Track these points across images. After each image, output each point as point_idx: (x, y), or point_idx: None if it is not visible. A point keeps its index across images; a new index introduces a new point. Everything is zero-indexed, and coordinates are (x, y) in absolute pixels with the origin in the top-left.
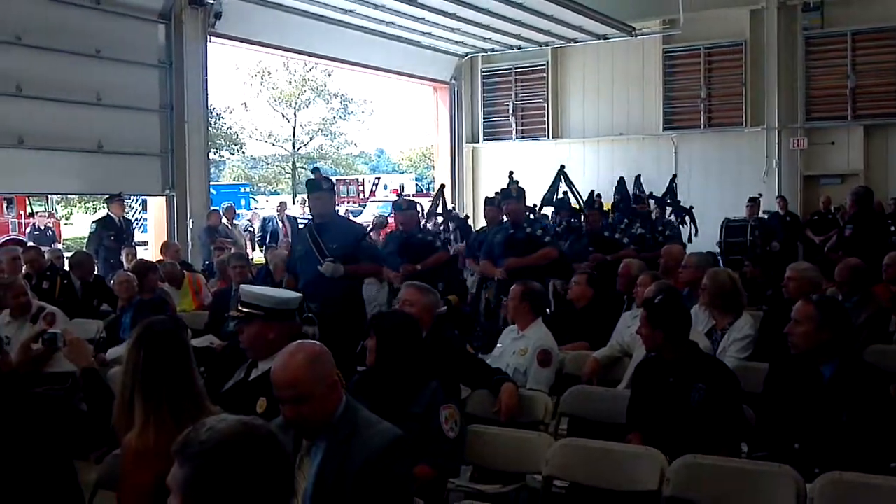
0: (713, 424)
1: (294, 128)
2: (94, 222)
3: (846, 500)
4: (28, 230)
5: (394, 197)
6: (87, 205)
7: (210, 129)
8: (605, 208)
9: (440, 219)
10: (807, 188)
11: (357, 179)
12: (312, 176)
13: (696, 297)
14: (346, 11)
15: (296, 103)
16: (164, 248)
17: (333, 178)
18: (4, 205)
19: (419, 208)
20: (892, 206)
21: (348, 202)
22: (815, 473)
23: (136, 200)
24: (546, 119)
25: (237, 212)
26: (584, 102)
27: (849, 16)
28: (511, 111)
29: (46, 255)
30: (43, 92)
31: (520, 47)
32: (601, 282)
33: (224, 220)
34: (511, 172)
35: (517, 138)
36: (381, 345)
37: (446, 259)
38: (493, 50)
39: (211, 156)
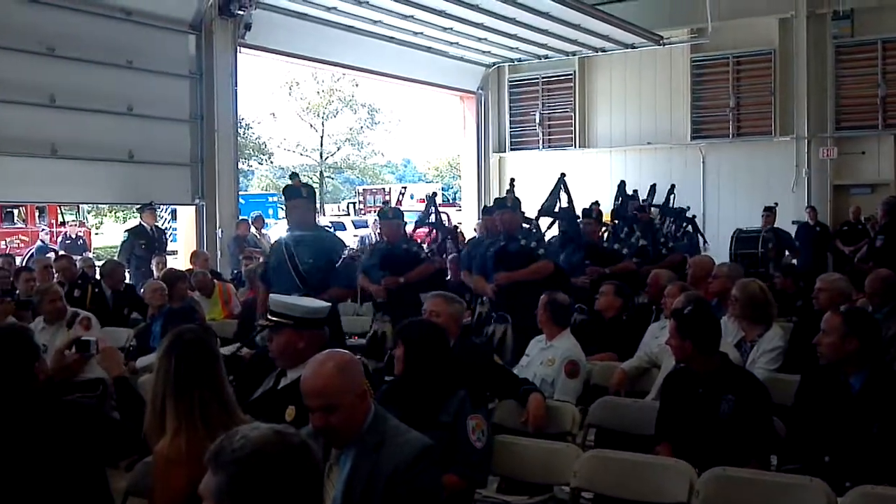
0: (743, 436)
1: (321, 138)
2: (126, 231)
3: None
4: (60, 239)
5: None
6: (118, 214)
7: (239, 139)
8: (603, 218)
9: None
10: (837, 198)
11: (384, 189)
12: (291, 182)
13: (725, 308)
14: (374, 22)
15: (323, 113)
16: (194, 257)
17: (360, 188)
18: (37, 214)
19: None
20: None
21: (375, 211)
22: (847, 487)
23: (166, 210)
24: (573, 128)
25: (265, 221)
26: (611, 112)
27: (879, 24)
28: (538, 120)
29: (78, 264)
30: (75, 102)
31: (547, 57)
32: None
33: (252, 229)
34: (512, 180)
35: (544, 148)
36: (409, 354)
37: (432, 271)
38: (519, 59)
39: (239, 166)
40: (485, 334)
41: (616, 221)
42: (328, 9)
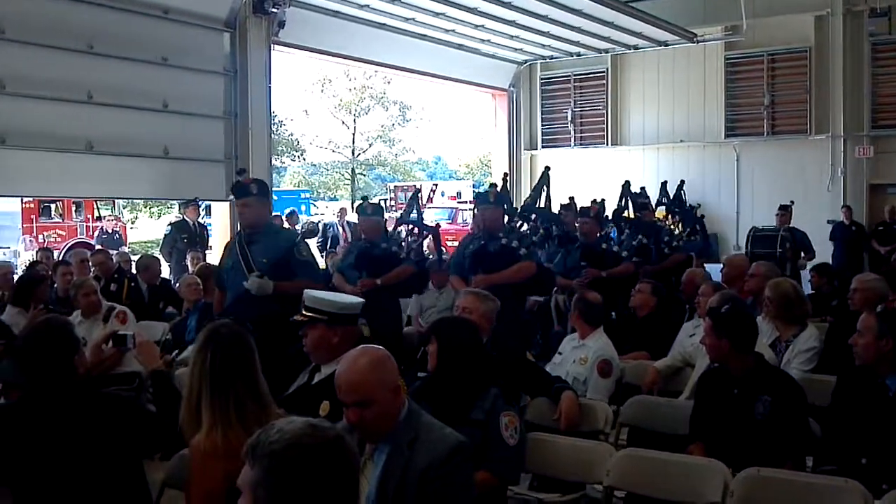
0: (778, 437)
1: (353, 135)
2: (169, 224)
3: None
4: (96, 234)
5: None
6: (152, 210)
7: (272, 135)
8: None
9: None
10: (873, 197)
11: (415, 186)
12: (240, 179)
13: (760, 307)
14: (406, 20)
15: (355, 110)
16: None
17: (392, 185)
18: (73, 209)
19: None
20: None
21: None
22: (884, 489)
23: (202, 206)
24: (605, 126)
25: (298, 217)
26: (644, 109)
27: None
28: (570, 118)
29: (114, 259)
30: (112, 99)
31: (579, 54)
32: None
33: (286, 225)
34: (505, 174)
35: (576, 145)
36: (443, 350)
37: (411, 273)
38: (552, 57)
39: (273, 162)
40: None
41: (613, 223)
42: (361, 6)
